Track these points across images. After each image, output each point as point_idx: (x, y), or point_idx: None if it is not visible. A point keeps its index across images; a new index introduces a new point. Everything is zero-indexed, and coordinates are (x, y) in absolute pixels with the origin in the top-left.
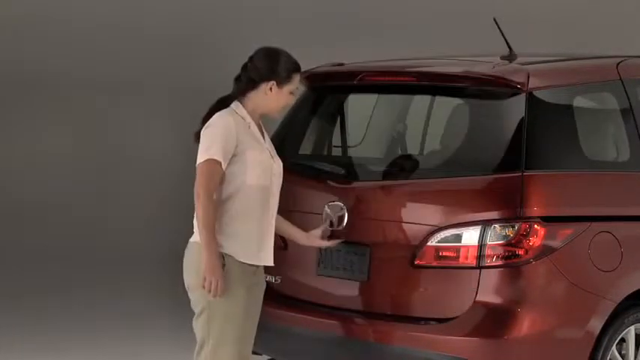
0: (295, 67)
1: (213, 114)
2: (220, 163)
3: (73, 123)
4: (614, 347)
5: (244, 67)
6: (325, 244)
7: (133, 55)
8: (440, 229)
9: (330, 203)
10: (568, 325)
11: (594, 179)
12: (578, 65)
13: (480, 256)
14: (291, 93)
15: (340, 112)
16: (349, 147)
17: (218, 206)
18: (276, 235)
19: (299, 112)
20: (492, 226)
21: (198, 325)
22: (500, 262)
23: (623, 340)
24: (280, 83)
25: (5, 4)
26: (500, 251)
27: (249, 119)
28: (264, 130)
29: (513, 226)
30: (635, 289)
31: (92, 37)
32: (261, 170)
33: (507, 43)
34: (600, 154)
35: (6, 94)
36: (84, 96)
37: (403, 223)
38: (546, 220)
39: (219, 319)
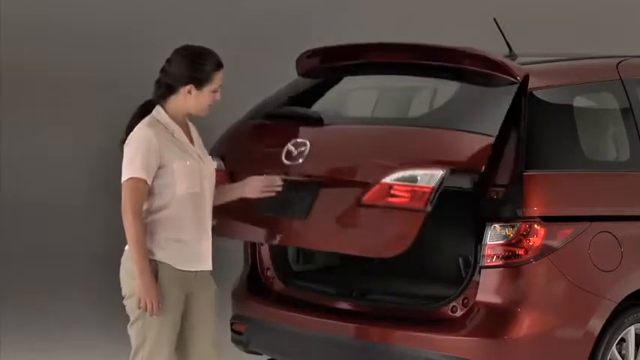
0: (215, 67)
1: (136, 121)
2: (144, 180)
3: (73, 123)
4: (614, 347)
5: (162, 71)
6: (263, 194)
7: (133, 56)
8: (397, 169)
9: (294, 140)
10: (568, 325)
11: (594, 179)
12: (578, 65)
13: (427, 201)
14: (214, 91)
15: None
16: None
17: (149, 216)
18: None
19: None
20: (492, 226)
21: (133, 332)
22: (500, 262)
23: (623, 340)
24: (199, 85)
25: (6, 5)
26: (500, 251)
27: (172, 125)
28: (192, 131)
29: (513, 226)
30: (635, 289)
31: (92, 38)
32: (191, 179)
33: (507, 43)
34: (600, 154)
35: (6, 94)
36: (84, 96)
37: (359, 162)
38: (546, 220)
39: (155, 327)
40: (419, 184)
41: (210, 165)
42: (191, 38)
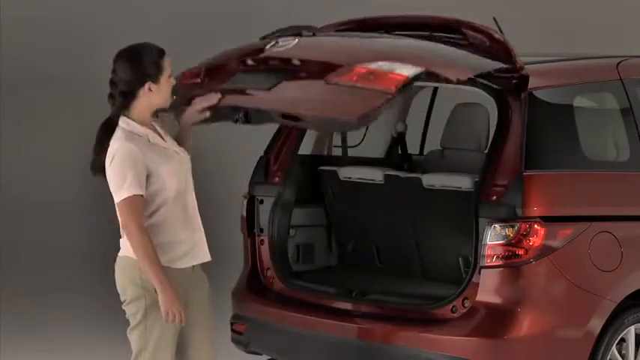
0: (159, 55)
1: (104, 141)
2: (140, 195)
3: (73, 123)
4: (614, 347)
5: (112, 82)
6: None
7: None
8: (377, 60)
9: (284, 38)
10: (568, 325)
11: (594, 179)
12: (578, 65)
13: (398, 86)
14: (170, 77)
15: None
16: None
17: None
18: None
19: None
20: (492, 226)
21: (134, 336)
22: (500, 262)
23: (623, 340)
24: (155, 79)
25: (6, 5)
26: (500, 251)
27: (145, 131)
28: (157, 128)
29: (513, 226)
30: (635, 289)
31: (92, 38)
32: (178, 179)
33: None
34: (600, 154)
35: (6, 94)
36: (84, 96)
37: (341, 52)
38: (546, 220)
39: (157, 331)
40: (396, 72)
41: (186, 156)
42: (192, 39)
